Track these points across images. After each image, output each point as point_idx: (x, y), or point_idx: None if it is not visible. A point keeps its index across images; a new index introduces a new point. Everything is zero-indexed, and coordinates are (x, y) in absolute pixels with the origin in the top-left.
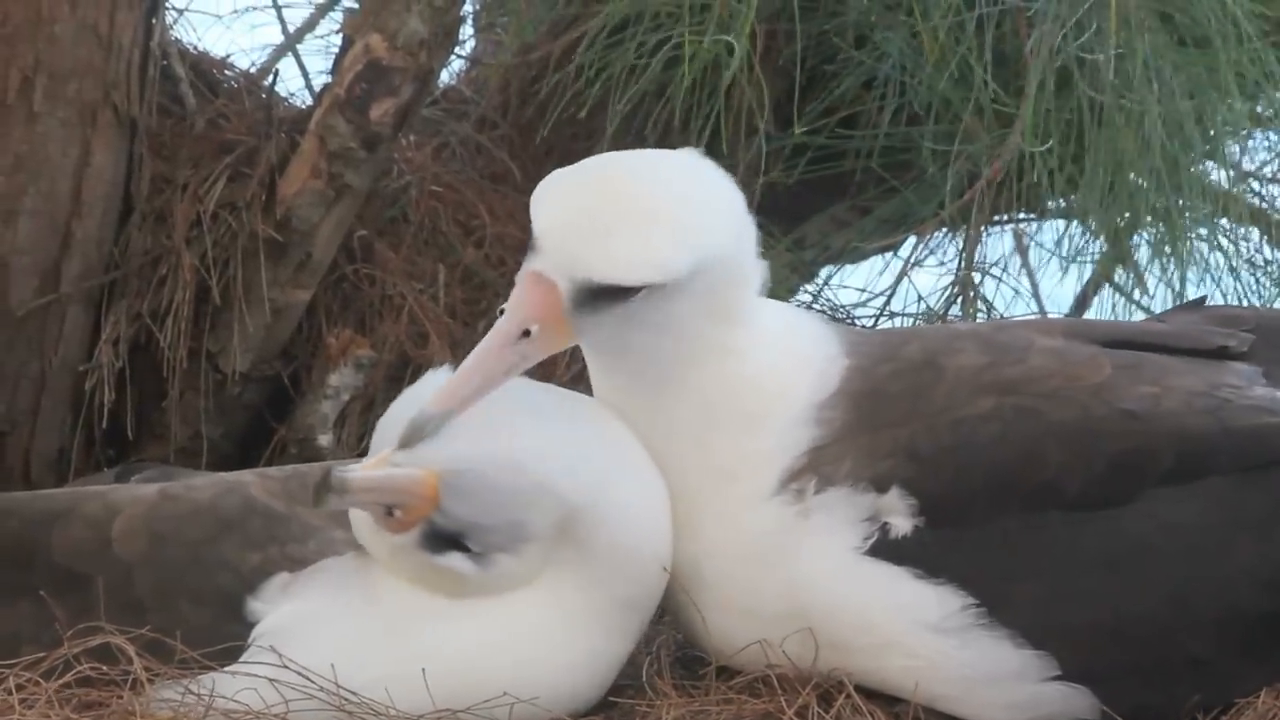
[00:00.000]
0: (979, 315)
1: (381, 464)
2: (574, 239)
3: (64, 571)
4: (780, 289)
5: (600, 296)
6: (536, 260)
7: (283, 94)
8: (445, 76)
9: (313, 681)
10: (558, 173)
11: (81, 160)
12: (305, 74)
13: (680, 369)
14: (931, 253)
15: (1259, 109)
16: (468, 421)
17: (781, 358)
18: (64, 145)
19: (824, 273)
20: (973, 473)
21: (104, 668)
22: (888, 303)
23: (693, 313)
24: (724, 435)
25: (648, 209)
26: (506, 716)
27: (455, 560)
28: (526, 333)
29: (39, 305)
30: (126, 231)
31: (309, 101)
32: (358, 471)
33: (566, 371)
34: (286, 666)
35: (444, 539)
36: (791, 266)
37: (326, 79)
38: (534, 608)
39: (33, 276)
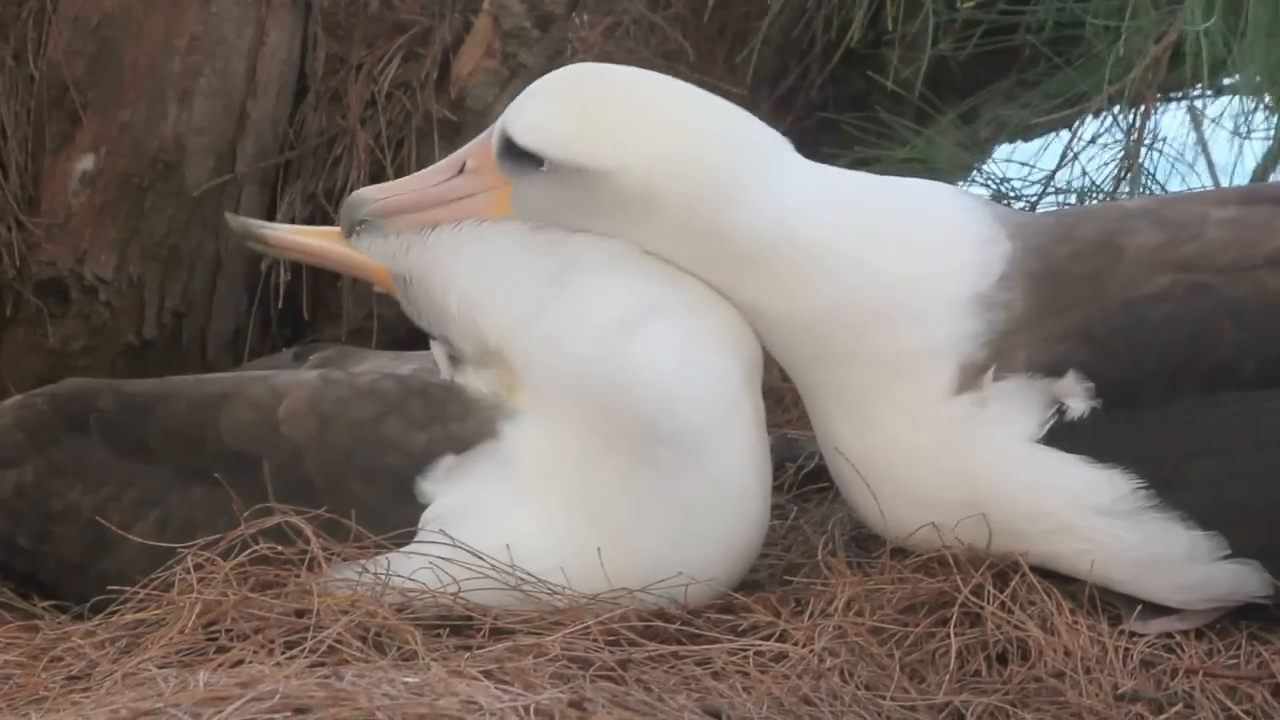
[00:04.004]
0: (1147, 193)
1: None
2: (521, 96)
3: (233, 454)
4: (951, 166)
5: (514, 153)
6: None
7: None
8: None
9: (489, 563)
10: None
11: (256, 40)
12: None
13: (730, 280)
14: (1105, 129)
15: None
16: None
17: (883, 252)
18: (239, 25)
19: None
20: (1147, 354)
21: (279, 548)
22: (1051, 178)
23: (660, 217)
24: (859, 336)
25: (587, 96)
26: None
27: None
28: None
29: (215, 186)
30: (301, 111)
31: None
32: (282, 230)
33: None
34: (461, 548)
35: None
36: (963, 145)
37: None
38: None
39: (208, 157)
